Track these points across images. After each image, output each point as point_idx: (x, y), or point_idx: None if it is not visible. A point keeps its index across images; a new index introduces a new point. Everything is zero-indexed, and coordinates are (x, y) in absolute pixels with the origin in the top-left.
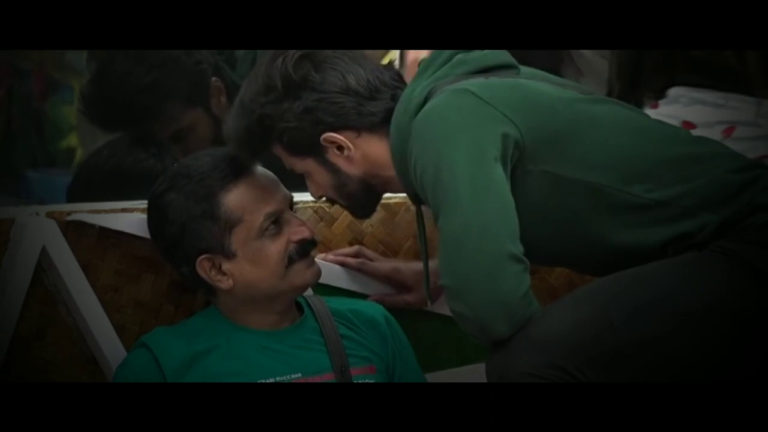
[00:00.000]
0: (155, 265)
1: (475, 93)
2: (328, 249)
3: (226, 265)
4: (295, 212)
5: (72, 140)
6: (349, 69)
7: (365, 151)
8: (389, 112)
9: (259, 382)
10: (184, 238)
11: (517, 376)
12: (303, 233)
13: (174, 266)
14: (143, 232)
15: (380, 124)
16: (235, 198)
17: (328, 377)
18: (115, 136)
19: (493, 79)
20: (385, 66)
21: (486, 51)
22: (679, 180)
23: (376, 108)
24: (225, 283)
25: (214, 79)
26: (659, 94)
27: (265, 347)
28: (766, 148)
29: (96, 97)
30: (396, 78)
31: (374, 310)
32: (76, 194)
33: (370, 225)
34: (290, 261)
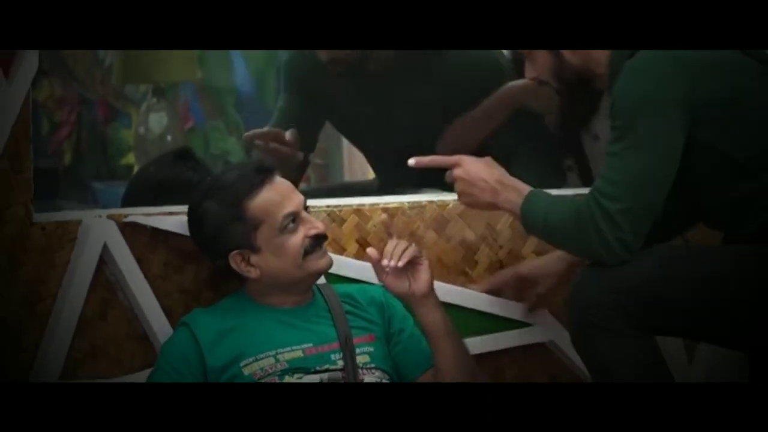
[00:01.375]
0: (196, 258)
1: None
2: (338, 245)
3: (253, 258)
4: (309, 212)
5: (130, 158)
6: None
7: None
8: None
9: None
10: (219, 238)
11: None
12: (317, 228)
13: (211, 260)
14: (186, 231)
15: None
16: (259, 203)
17: (334, 346)
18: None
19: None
20: None
21: None
22: None
23: None
24: (253, 273)
25: None
26: None
27: (283, 322)
28: None
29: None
30: None
31: (374, 290)
32: (129, 200)
33: (373, 225)
34: (306, 252)
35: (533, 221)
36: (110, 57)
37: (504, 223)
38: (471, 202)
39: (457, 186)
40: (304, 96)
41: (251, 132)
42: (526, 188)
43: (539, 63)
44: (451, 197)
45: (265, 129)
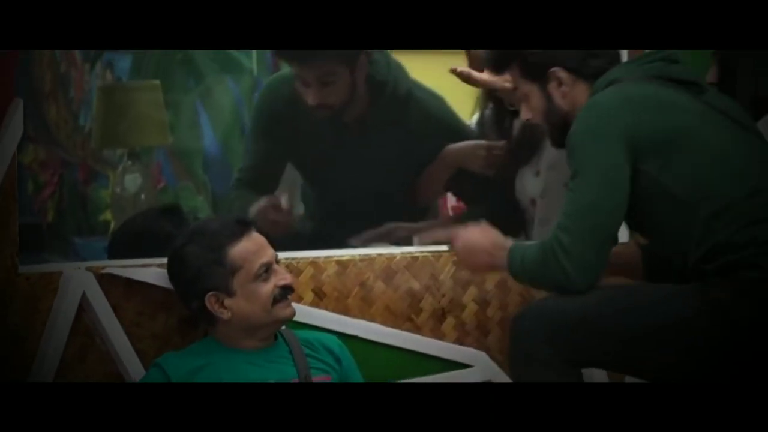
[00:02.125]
0: (167, 306)
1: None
2: (295, 295)
3: (227, 301)
4: (280, 265)
5: (107, 215)
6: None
7: (575, 93)
8: (602, 72)
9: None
10: (198, 280)
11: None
12: (286, 280)
13: (186, 302)
14: (158, 281)
15: (593, 78)
16: (239, 250)
17: (295, 383)
18: (146, 208)
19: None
20: None
21: (682, 66)
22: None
23: (596, 63)
24: (225, 315)
25: None
26: None
27: (249, 362)
28: None
29: None
30: (616, 51)
31: (331, 340)
32: (115, 244)
33: (327, 276)
34: (275, 300)
35: (515, 269)
36: (89, 124)
37: (446, 273)
38: (472, 268)
39: (458, 257)
40: (269, 138)
41: (254, 210)
42: (510, 242)
43: (533, 105)
44: (398, 250)
45: (263, 202)
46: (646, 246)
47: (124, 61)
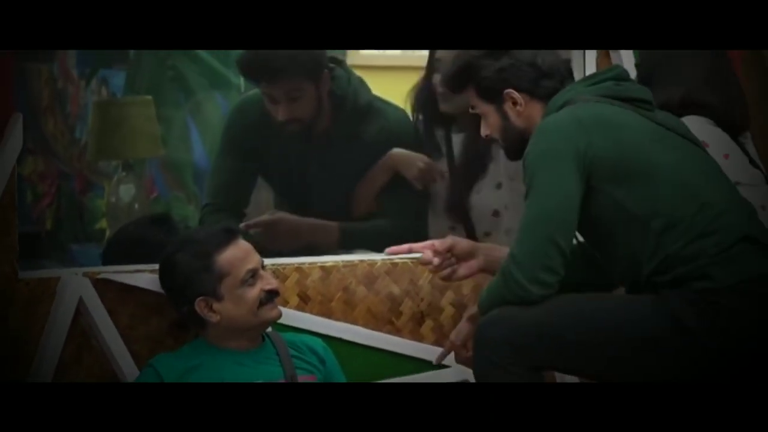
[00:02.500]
0: (160, 310)
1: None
2: (281, 299)
3: (216, 305)
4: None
5: (103, 224)
6: (539, 53)
7: (530, 112)
8: (555, 92)
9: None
10: (188, 286)
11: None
12: (272, 285)
13: (176, 306)
14: (151, 286)
15: (546, 98)
16: (226, 257)
17: (281, 382)
18: (139, 216)
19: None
20: (563, 59)
21: (632, 84)
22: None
23: (548, 84)
24: (214, 318)
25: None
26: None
27: (237, 362)
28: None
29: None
30: (569, 71)
31: (315, 342)
32: (109, 251)
33: (312, 281)
34: (261, 303)
35: (482, 304)
36: (85, 137)
37: (425, 278)
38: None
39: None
40: (240, 155)
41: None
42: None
43: (490, 123)
44: (378, 257)
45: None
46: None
47: (118, 77)
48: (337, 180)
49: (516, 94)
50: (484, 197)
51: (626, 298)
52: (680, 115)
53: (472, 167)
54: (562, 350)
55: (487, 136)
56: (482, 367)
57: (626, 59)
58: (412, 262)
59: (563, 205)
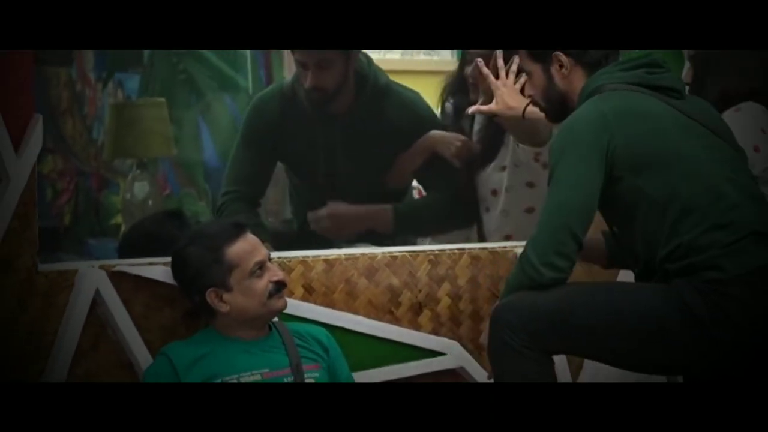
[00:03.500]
0: (172, 300)
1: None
2: (287, 291)
3: (225, 296)
4: (272, 262)
5: (118, 219)
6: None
7: (573, 77)
8: (598, 63)
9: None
10: (199, 277)
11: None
12: (278, 276)
13: (188, 297)
14: (164, 278)
15: (590, 66)
16: (235, 250)
17: (287, 371)
18: (153, 212)
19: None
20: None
21: (664, 72)
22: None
23: (593, 54)
24: (224, 308)
25: None
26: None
27: (245, 351)
28: None
29: None
30: None
31: (319, 331)
32: (125, 245)
33: (315, 273)
34: (269, 294)
35: (503, 291)
36: (102, 137)
37: (423, 270)
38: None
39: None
40: (259, 144)
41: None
42: None
43: (535, 82)
44: (379, 250)
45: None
46: (610, 234)
47: (133, 80)
48: (361, 161)
49: (563, 57)
50: (488, 176)
51: (637, 287)
52: (739, 102)
53: (486, 150)
54: (576, 338)
55: (530, 96)
56: (497, 348)
57: None
58: (410, 255)
59: (582, 197)
